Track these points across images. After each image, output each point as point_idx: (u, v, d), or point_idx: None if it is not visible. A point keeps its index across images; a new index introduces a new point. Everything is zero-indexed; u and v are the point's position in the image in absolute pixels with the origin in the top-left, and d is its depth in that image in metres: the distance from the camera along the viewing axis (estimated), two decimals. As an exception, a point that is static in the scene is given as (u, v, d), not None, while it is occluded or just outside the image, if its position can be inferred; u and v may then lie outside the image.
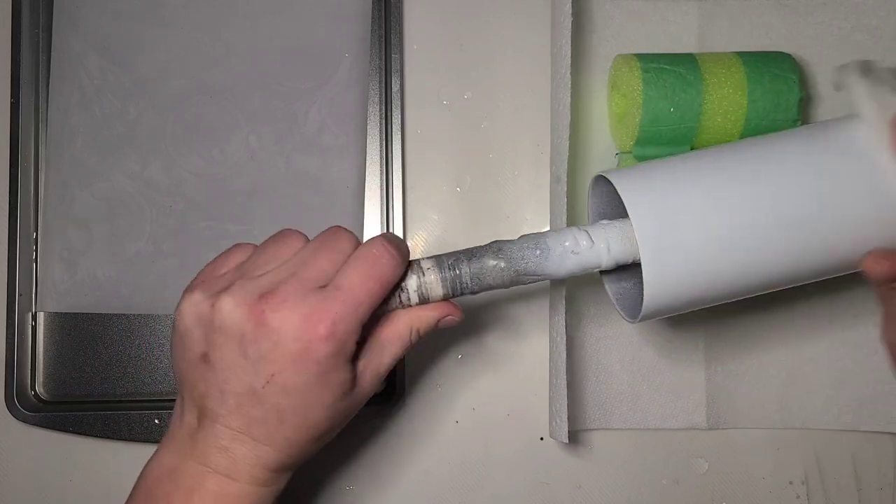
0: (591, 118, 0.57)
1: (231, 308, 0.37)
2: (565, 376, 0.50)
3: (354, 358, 0.39)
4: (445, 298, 0.41)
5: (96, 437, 0.54)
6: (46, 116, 0.56)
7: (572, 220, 0.52)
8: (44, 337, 0.55)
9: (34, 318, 0.55)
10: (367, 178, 0.56)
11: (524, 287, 0.56)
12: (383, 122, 0.56)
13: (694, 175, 0.42)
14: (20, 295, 0.54)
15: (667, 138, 0.52)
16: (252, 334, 0.37)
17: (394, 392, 0.54)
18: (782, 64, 0.52)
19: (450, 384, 0.56)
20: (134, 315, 0.55)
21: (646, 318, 0.42)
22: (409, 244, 0.56)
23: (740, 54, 0.52)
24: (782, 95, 0.51)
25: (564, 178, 0.51)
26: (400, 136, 0.55)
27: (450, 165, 0.57)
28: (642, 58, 0.52)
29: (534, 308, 0.56)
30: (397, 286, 0.40)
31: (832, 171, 0.42)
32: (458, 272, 0.40)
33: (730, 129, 0.52)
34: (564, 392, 0.50)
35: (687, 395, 0.55)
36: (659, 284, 0.40)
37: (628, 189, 0.41)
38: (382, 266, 0.39)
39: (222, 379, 0.38)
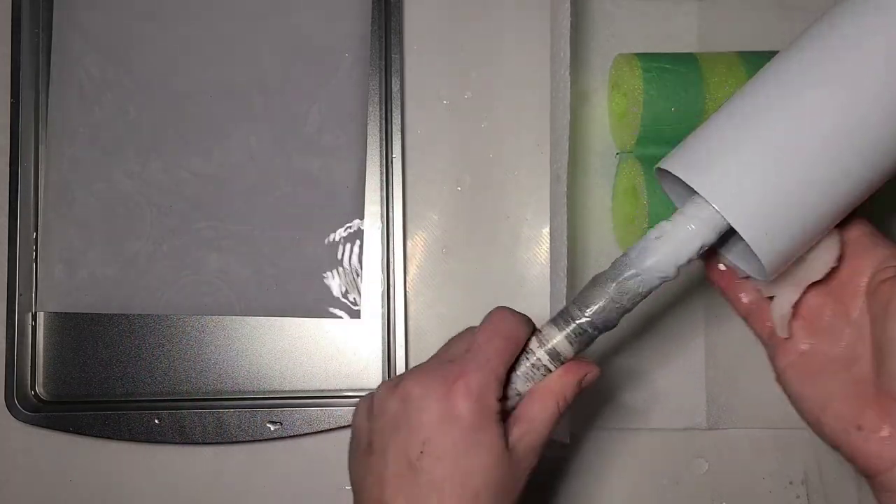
0: (591, 118, 0.57)
1: (383, 393, 0.40)
2: None
3: (504, 424, 0.39)
4: (578, 351, 0.41)
5: (96, 437, 0.54)
6: (46, 116, 0.56)
7: (572, 220, 0.52)
8: (44, 337, 0.55)
9: (34, 317, 0.55)
10: (367, 178, 0.56)
11: (524, 287, 0.56)
12: (383, 122, 0.56)
13: (749, 113, 0.39)
14: (20, 295, 0.54)
15: (668, 137, 0.52)
16: (401, 409, 0.38)
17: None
18: None
19: (450, 384, 0.56)
20: (134, 315, 0.55)
21: (775, 269, 0.39)
22: (409, 244, 0.56)
23: (741, 54, 0.52)
24: None
25: (564, 177, 0.51)
26: (400, 136, 0.55)
27: (450, 165, 0.57)
28: (643, 57, 0.52)
29: (536, 308, 0.56)
30: (525, 350, 0.40)
31: None
32: (574, 321, 0.40)
33: None
34: None
35: (687, 395, 0.55)
36: (763, 233, 0.38)
37: (681, 166, 0.39)
38: (504, 324, 0.40)
39: (382, 464, 0.38)
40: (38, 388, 0.55)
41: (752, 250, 0.39)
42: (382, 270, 0.55)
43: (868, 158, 0.38)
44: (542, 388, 0.40)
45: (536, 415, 0.40)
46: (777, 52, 0.53)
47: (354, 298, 0.56)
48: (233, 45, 0.57)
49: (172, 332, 0.55)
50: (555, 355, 0.40)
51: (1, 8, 0.56)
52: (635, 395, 0.55)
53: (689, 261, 0.39)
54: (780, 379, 0.44)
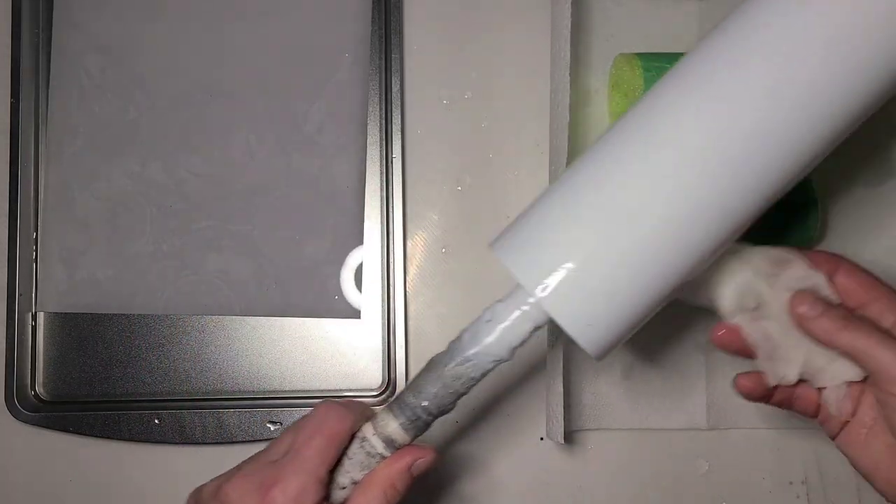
0: (591, 118, 0.57)
1: (206, 493, 0.39)
2: (561, 377, 0.50)
3: None
4: (415, 436, 0.41)
5: (96, 437, 0.54)
6: (46, 116, 0.56)
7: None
8: (44, 337, 0.55)
9: (34, 317, 0.55)
10: (367, 178, 0.56)
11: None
12: (383, 122, 0.56)
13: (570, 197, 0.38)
14: (20, 295, 0.54)
15: None
16: None
17: (394, 392, 0.54)
18: None
19: (450, 384, 0.56)
20: (134, 315, 0.55)
21: (604, 353, 0.38)
22: (409, 244, 0.56)
23: None
24: None
25: None
26: (400, 136, 0.55)
27: (450, 165, 0.57)
28: (643, 57, 0.52)
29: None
30: (361, 437, 0.40)
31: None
32: (409, 407, 0.40)
33: None
34: (560, 391, 0.50)
35: (687, 396, 0.55)
36: (585, 325, 0.37)
37: (508, 253, 0.38)
38: (326, 421, 0.39)
39: None
40: (38, 388, 0.55)
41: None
42: (382, 270, 0.55)
43: (696, 238, 0.37)
44: (370, 478, 0.40)
45: None
46: None
47: (354, 298, 0.56)
48: (233, 45, 0.57)
49: (172, 332, 0.55)
50: (389, 442, 0.40)
51: (1, 8, 0.56)
52: (635, 395, 0.55)
53: (523, 342, 0.39)
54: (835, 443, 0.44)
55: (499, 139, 0.57)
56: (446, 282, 0.56)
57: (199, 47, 0.57)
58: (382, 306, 0.55)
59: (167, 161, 0.56)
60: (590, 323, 0.37)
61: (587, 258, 0.36)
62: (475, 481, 0.55)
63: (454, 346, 0.40)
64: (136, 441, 0.53)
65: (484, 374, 0.40)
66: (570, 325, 0.37)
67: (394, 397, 0.41)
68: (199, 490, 0.40)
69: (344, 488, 0.40)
